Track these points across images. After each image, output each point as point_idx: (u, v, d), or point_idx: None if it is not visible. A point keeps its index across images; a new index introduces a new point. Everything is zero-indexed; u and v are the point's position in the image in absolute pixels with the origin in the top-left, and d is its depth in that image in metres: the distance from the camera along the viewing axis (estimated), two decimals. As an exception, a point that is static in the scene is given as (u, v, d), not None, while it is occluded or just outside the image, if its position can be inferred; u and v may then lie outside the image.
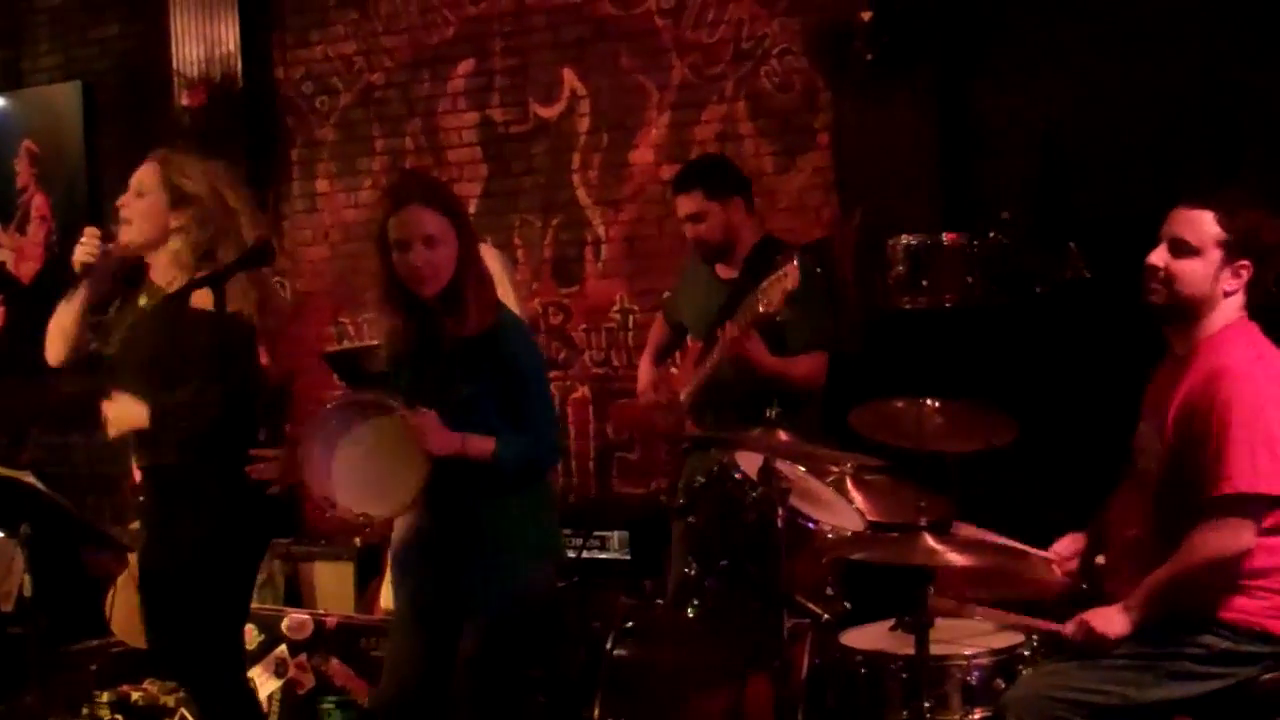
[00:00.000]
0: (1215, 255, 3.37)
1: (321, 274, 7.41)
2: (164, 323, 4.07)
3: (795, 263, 4.29)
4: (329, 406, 3.84)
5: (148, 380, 4.07)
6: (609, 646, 4.19)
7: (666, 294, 5.58)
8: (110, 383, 4.20)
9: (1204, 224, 3.38)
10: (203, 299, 3.93)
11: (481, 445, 3.66)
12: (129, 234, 4.22)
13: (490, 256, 5.25)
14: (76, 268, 4.20)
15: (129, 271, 4.28)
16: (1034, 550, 3.83)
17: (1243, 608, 3.32)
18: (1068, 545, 3.81)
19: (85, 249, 4.19)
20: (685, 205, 4.90)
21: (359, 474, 3.68)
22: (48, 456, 7.34)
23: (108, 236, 4.23)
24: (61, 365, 4.32)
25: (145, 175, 4.24)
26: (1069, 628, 3.44)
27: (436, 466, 3.60)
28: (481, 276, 3.75)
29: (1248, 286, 3.40)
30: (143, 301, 4.23)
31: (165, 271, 4.19)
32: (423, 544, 3.83)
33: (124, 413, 4.08)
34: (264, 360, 4.46)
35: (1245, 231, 3.35)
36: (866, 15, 5.59)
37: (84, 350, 4.26)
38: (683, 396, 4.89)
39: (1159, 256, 3.44)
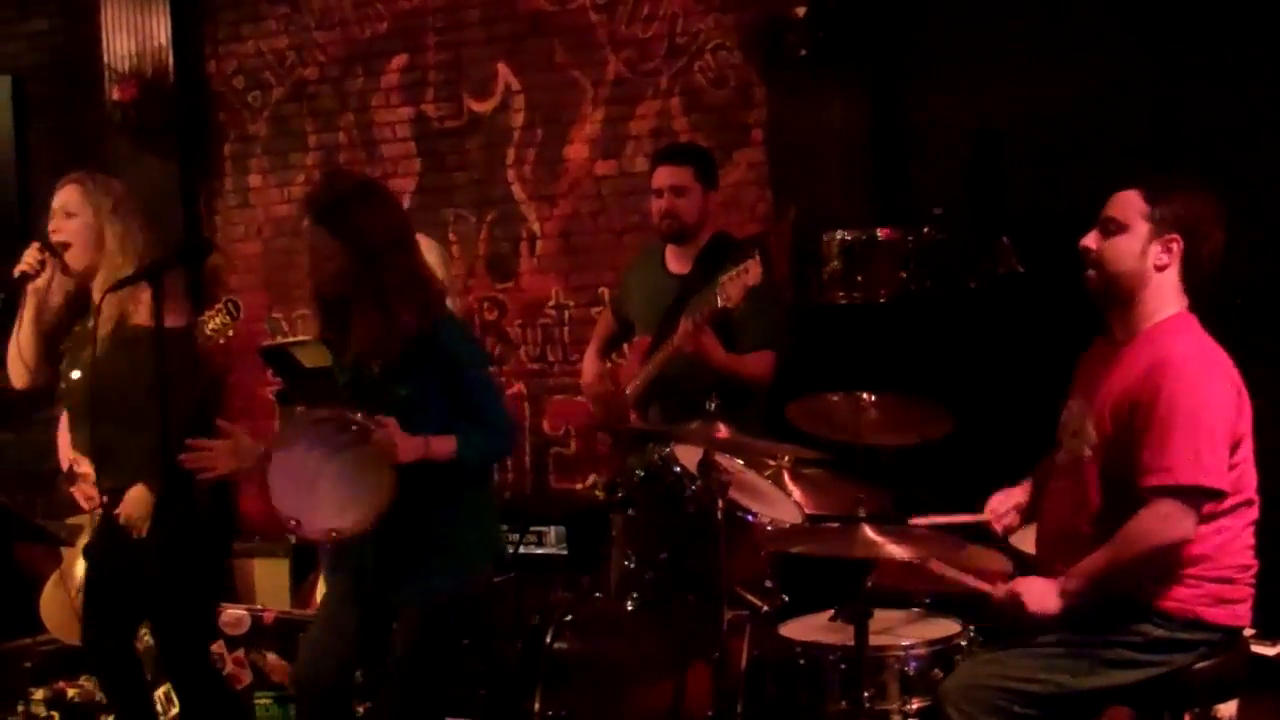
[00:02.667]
0: (1143, 229, 3.42)
1: (254, 269, 7.36)
2: (128, 357, 4.15)
3: (757, 258, 4.31)
4: (292, 426, 3.85)
5: (123, 417, 4.17)
6: (549, 640, 4.20)
7: (602, 290, 5.59)
8: (84, 425, 4.33)
9: (1130, 201, 3.45)
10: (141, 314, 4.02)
11: (443, 445, 3.69)
12: (73, 257, 4.31)
13: (427, 249, 5.27)
14: (15, 276, 4.31)
15: (75, 296, 4.37)
16: (972, 517, 3.85)
17: (1179, 596, 3.35)
18: (1002, 500, 3.84)
19: (25, 260, 4.30)
20: (671, 176, 4.85)
21: (326, 490, 3.70)
22: (-22, 454, 7.25)
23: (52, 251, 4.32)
24: (27, 389, 4.43)
25: (69, 196, 4.32)
26: (1000, 591, 3.46)
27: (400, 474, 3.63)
28: (389, 289, 3.71)
29: (1182, 265, 3.44)
30: (90, 325, 4.27)
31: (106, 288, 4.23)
32: (367, 541, 3.83)
33: (139, 500, 4.20)
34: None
35: (1171, 206, 3.41)
36: (801, 11, 5.63)
37: (43, 374, 4.40)
38: (629, 390, 4.89)
39: (1091, 239, 3.49)
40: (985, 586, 3.53)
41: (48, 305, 4.36)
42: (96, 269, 4.28)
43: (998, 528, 3.81)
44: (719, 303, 4.36)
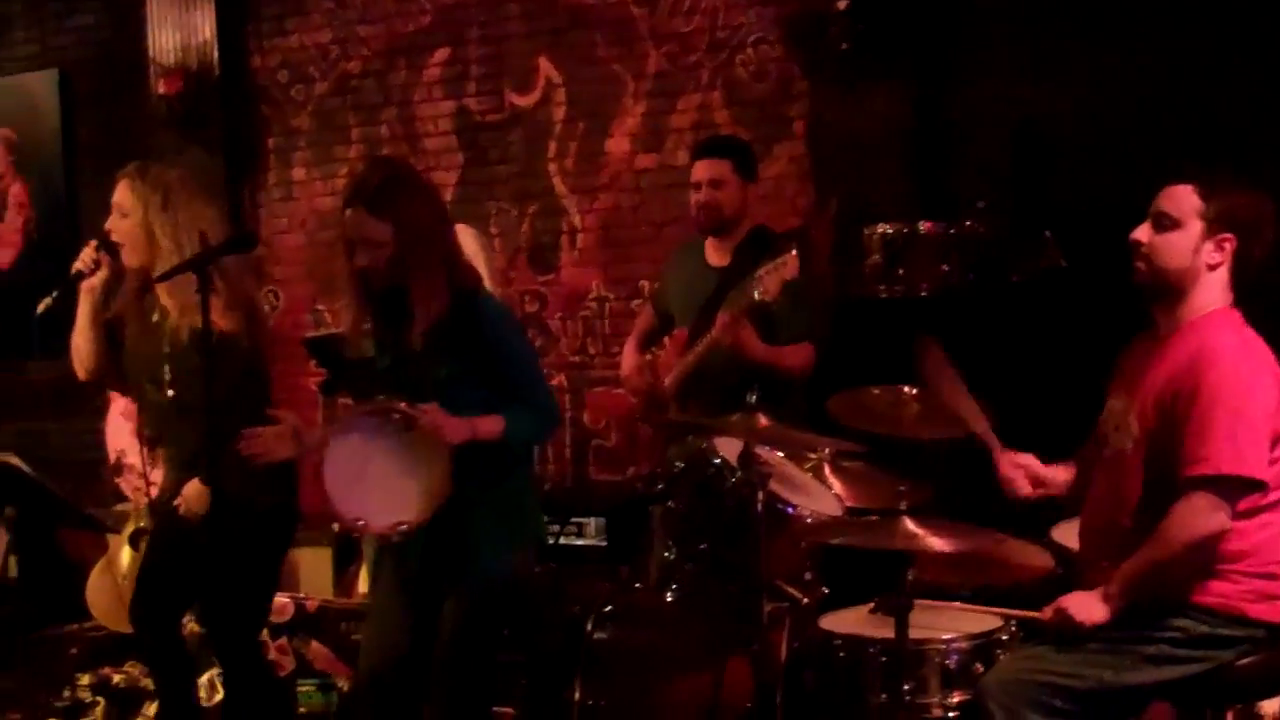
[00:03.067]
0: (1196, 227, 3.40)
1: (298, 261, 7.41)
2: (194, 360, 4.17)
3: (795, 252, 4.32)
4: (337, 425, 3.87)
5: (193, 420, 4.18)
6: (588, 630, 4.22)
7: (642, 283, 5.60)
8: (156, 425, 4.43)
9: (1185, 197, 3.42)
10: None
11: (490, 426, 3.71)
12: (127, 255, 4.36)
13: (467, 238, 5.30)
14: (72, 274, 4.37)
15: (140, 289, 4.41)
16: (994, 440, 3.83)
17: (1219, 591, 3.35)
18: (1024, 456, 3.81)
19: (81, 259, 4.36)
20: (710, 169, 4.88)
21: (385, 486, 3.71)
22: (25, 442, 7.31)
23: (109, 249, 4.38)
24: (89, 380, 4.52)
25: (122, 194, 4.36)
26: (1047, 613, 3.46)
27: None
28: (432, 270, 3.75)
29: (1233, 264, 3.43)
30: (155, 319, 4.34)
31: (170, 288, 4.27)
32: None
33: (199, 495, 4.24)
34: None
35: (1226, 204, 3.39)
36: (843, 4, 5.62)
37: (103, 366, 4.45)
38: (668, 382, 4.91)
39: (1142, 232, 3.47)
40: (1031, 615, 3.54)
41: (106, 301, 4.41)
42: (153, 265, 4.29)
43: (1003, 472, 3.77)
44: (756, 296, 4.37)
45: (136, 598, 4.46)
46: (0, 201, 8.12)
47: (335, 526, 6.42)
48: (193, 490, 4.25)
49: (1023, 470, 3.79)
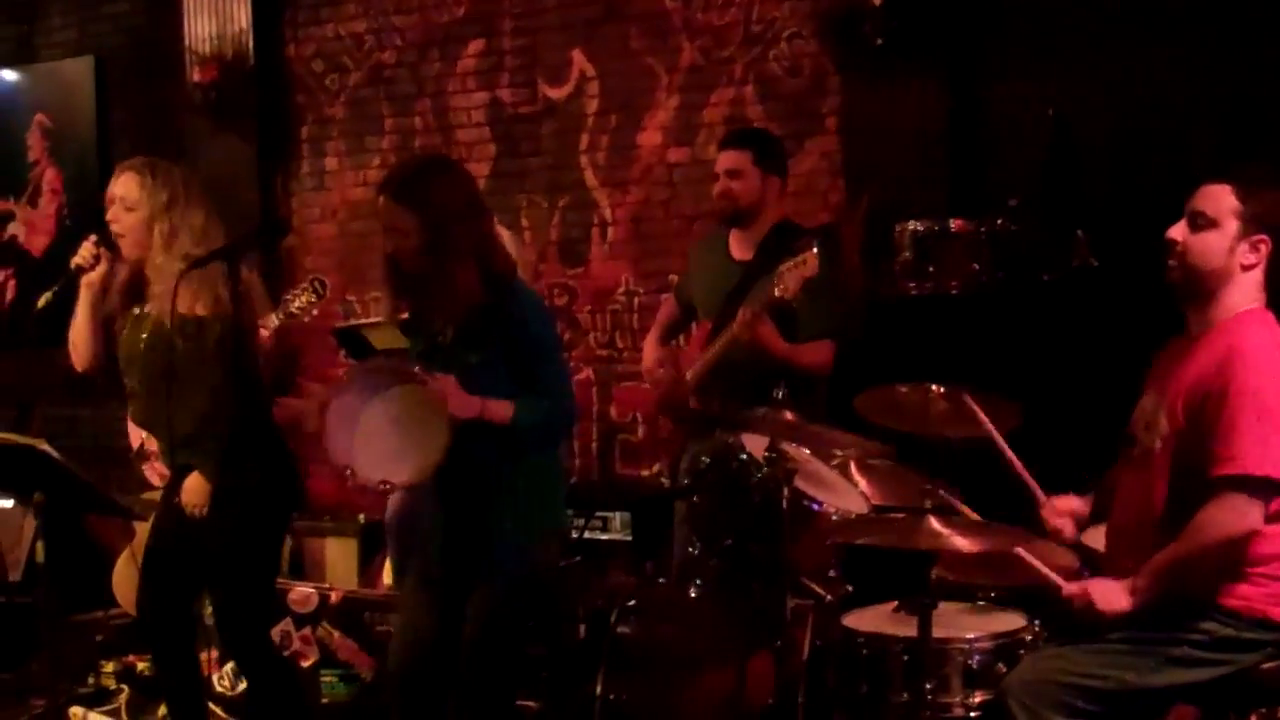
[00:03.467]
0: (1232, 227, 3.38)
1: (329, 251, 7.42)
2: (173, 343, 4.23)
3: (815, 250, 4.31)
4: (349, 374, 3.90)
5: (177, 399, 4.22)
6: (612, 624, 4.22)
7: (672, 277, 5.59)
8: (145, 411, 4.45)
9: (1222, 197, 3.40)
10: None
11: (500, 409, 3.72)
12: (127, 247, 4.37)
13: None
14: (71, 268, 4.43)
15: (130, 286, 4.43)
16: (1036, 491, 3.82)
17: (1245, 594, 3.33)
18: (1064, 502, 3.81)
19: (80, 254, 4.41)
20: (731, 160, 4.91)
21: (381, 441, 3.73)
22: (55, 428, 7.36)
23: (108, 245, 4.40)
24: (89, 371, 4.53)
25: (129, 187, 4.35)
26: (1073, 587, 3.43)
27: (458, 435, 3.64)
28: (461, 257, 3.76)
29: (1268, 266, 3.40)
30: (143, 310, 4.38)
31: (154, 279, 4.31)
32: (436, 514, 3.88)
33: (197, 488, 4.27)
34: (264, 335, 4.62)
35: (1263, 205, 3.36)
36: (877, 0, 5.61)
37: (102, 358, 4.49)
38: (689, 376, 4.91)
39: (1178, 231, 3.45)
40: (1059, 580, 3.50)
41: (105, 294, 4.44)
42: (149, 260, 4.33)
43: (1050, 524, 3.77)
44: (776, 293, 4.38)
45: (142, 585, 4.50)
46: (35, 188, 8.17)
47: (360, 518, 6.47)
48: (192, 484, 4.28)
49: (1069, 517, 3.78)
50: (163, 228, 4.29)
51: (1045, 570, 3.52)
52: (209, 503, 4.23)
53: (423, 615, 3.94)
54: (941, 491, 3.89)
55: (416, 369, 3.72)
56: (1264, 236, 3.37)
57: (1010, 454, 3.86)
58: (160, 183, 4.33)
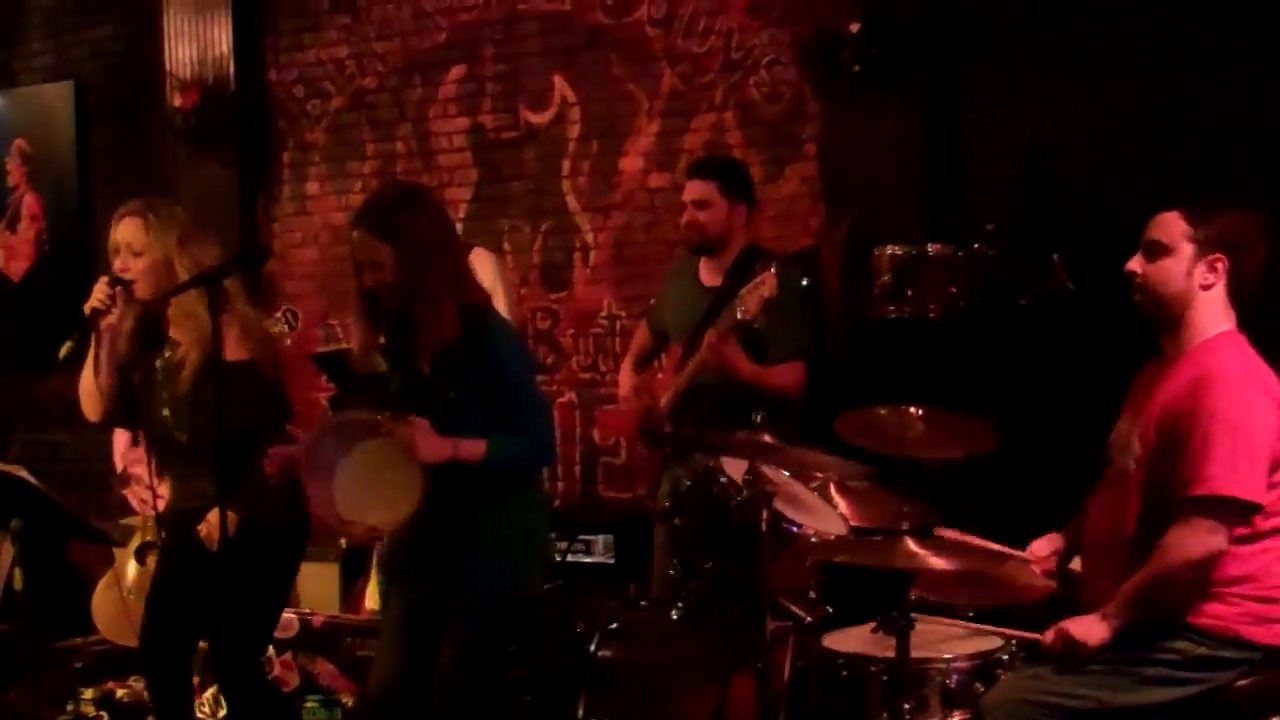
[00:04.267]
0: (1187, 250, 3.44)
1: (311, 276, 7.45)
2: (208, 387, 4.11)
3: (773, 271, 4.36)
4: (318, 433, 3.90)
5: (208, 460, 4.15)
6: (594, 647, 4.23)
7: (654, 300, 5.62)
8: (174, 458, 4.37)
9: (1173, 223, 3.47)
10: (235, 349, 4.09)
11: (472, 449, 3.72)
12: (141, 289, 4.28)
13: (483, 261, 5.33)
14: (87, 314, 4.24)
15: (146, 331, 4.36)
16: (1013, 552, 3.87)
17: (1217, 613, 3.36)
18: (1044, 545, 3.85)
19: (95, 296, 4.23)
20: (697, 190, 4.95)
21: (362, 491, 3.74)
22: (34, 454, 7.35)
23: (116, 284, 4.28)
24: (103, 421, 4.40)
25: (134, 233, 4.28)
26: (1049, 636, 3.47)
27: (432, 471, 3.66)
28: (437, 292, 3.76)
29: (1228, 283, 3.45)
30: (169, 357, 4.31)
31: (181, 321, 4.26)
32: (415, 546, 3.89)
33: (218, 525, 4.15)
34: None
35: (1214, 226, 3.43)
36: (855, 27, 5.64)
37: (119, 406, 4.34)
38: (663, 402, 4.95)
39: (1135, 262, 3.52)
40: (1032, 636, 3.55)
41: (119, 352, 4.34)
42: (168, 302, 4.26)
43: (1038, 572, 3.80)
44: (739, 315, 4.43)
45: (147, 619, 4.41)
46: (14, 213, 8.17)
47: (342, 543, 6.46)
48: (215, 519, 4.15)
49: (1051, 558, 3.82)
50: (185, 264, 4.22)
51: (1016, 632, 3.58)
52: (229, 537, 4.08)
53: (403, 643, 3.94)
54: (940, 528, 3.94)
55: (383, 420, 3.72)
56: (1220, 255, 3.43)
57: (979, 542, 3.90)
58: (165, 222, 4.28)
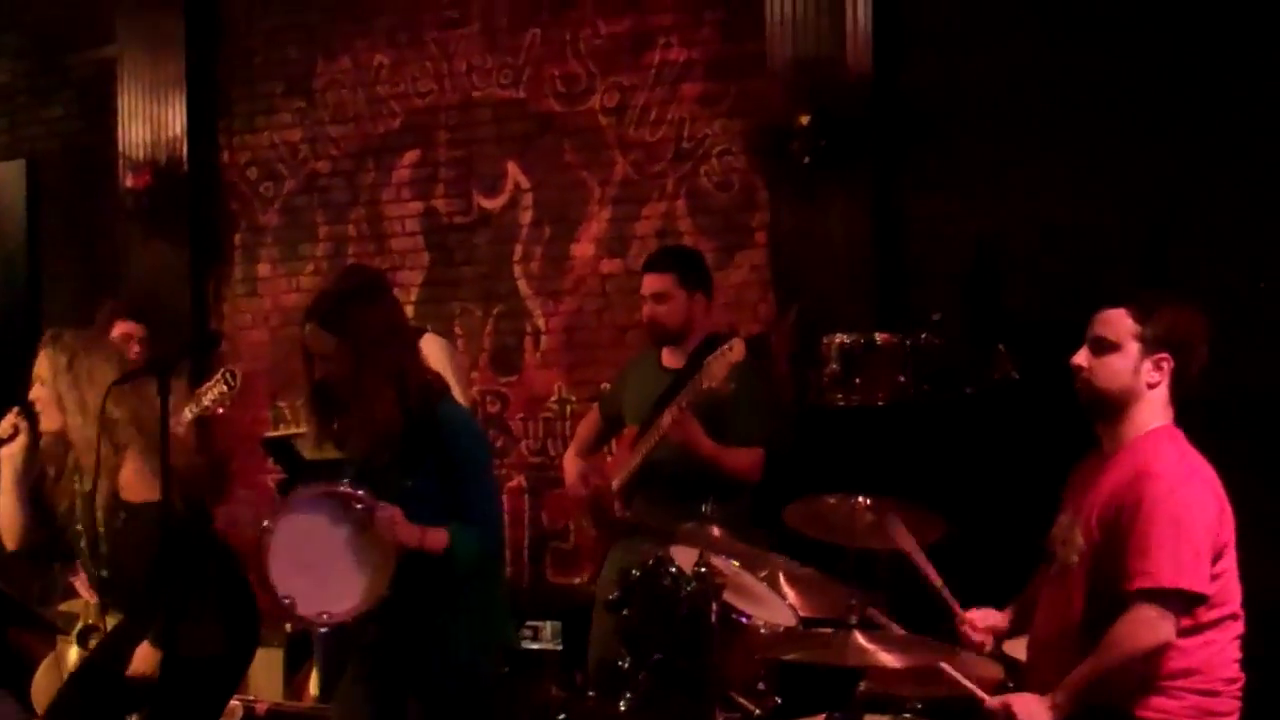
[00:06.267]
0: (1133, 349, 3.48)
1: (261, 357, 7.43)
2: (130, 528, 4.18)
3: (741, 337, 4.40)
4: (295, 497, 3.88)
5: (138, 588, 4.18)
6: (542, 737, 4.20)
7: (605, 385, 5.64)
8: (101, 590, 4.38)
9: (1120, 320, 3.50)
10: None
11: (437, 538, 3.72)
12: (45, 421, 4.30)
13: (434, 347, 5.33)
14: None
15: (56, 456, 4.35)
16: (969, 619, 3.86)
17: (1162, 707, 3.37)
18: (981, 617, 3.85)
19: (2, 425, 4.31)
20: (654, 284, 4.95)
21: (325, 570, 3.71)
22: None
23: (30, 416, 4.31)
24: (21, 550, 4.42)
25: (40, 360, 4.31)
26: (995, 702, 3.46)
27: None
28: (376, 380, 3.75)
29: (1171, 382, 3.50)
30: (76, 485, 4.29)
31: (86, 452, 4.24)
32: (373, 632, 3.87)
33: (145, 659, 4.17)
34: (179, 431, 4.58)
35: (1161, 325, 3.47)
36: (804, 119, 5.73)
37: (34, 533, 4.36)
38: (615, 482, 4.95)
39: (1081, 357, 3.55)
40: (981, 694, 3.54)
41: (29, 468, 4.33)
42: (65, 430, 4.27)
43: (971, 638, 3.81)
44: (704, 385, 4.45)
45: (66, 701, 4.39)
46: (-38, 292, 8.12)
47: (287, 628, 6.40)
48: (142, 654, 4.16)
49: (987, 631, 3.83)
50: (69, 391, 4.23)
51: (968, 684, 3.56)
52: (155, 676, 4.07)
53: None
54: (869, 609, 3.93)
55: (363, 496, 3.70)
56: (1165, 355, 3.47)
57: (929, 569, 3.91)
58: (60, 349, 4.28)
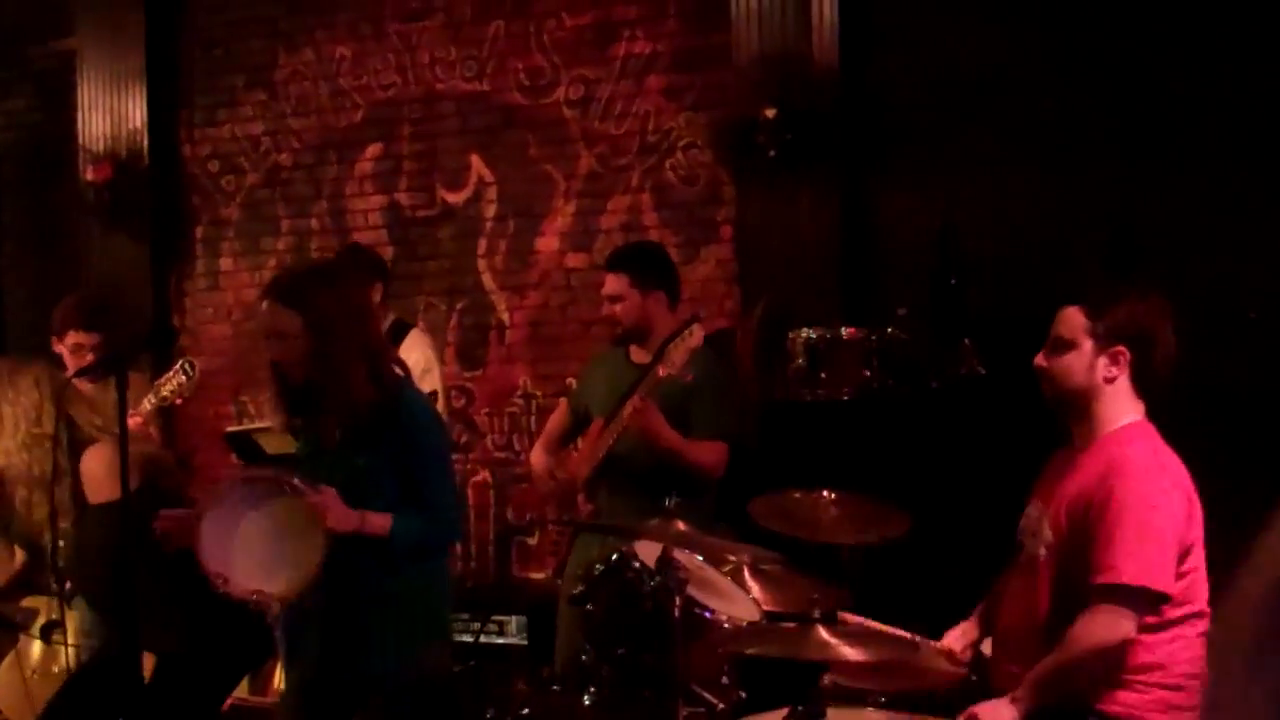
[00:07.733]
0: (1088, 345, 3.49)
1: (223, 352, 7.38)
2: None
3: (699, 323, 4.40)
4: (228, 483, 3.85)
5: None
6: (505, 733, 4.18)
7: (570, 380, 5.63)
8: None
9: (1074, 318, 3.52)
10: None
11: (379, 522, 3.69)
12: None
13: (420, 341, 5.35)
14: None
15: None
16: (930, 643, 3.87)
17: (1128, 701, 3.38)
18: (959, 636, 3.87)
19: None
20: (610, 284, 4.95)
21: (257, 551, 3.69)
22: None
23: None
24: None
25: None
26: (962, 717, 3.48)
27: (335, 542, 3.62)
28: (346, 356, 3.73)
29: (1133, 373, 3.49)
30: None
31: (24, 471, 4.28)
32: (312, 617, 3.83)
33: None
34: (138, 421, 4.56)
35: (1114, 319, 3.47)
36: (770, 112, 5.72)
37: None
38: (580, 472, 4.94)
39: (1041, 357, 3.56)
40: None
41: None
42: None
43: (961, 660, 3.82)
44: (660, 372, 4.45)
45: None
46: (-78, 286, 8.04)
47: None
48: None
49: (965, 649, 3.83)
50: None
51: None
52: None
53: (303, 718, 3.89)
54: (836, 605, 3.93)
55: (296, 481, 3.67)
56: (1120, 348, 3.47)
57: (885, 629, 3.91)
58: None
